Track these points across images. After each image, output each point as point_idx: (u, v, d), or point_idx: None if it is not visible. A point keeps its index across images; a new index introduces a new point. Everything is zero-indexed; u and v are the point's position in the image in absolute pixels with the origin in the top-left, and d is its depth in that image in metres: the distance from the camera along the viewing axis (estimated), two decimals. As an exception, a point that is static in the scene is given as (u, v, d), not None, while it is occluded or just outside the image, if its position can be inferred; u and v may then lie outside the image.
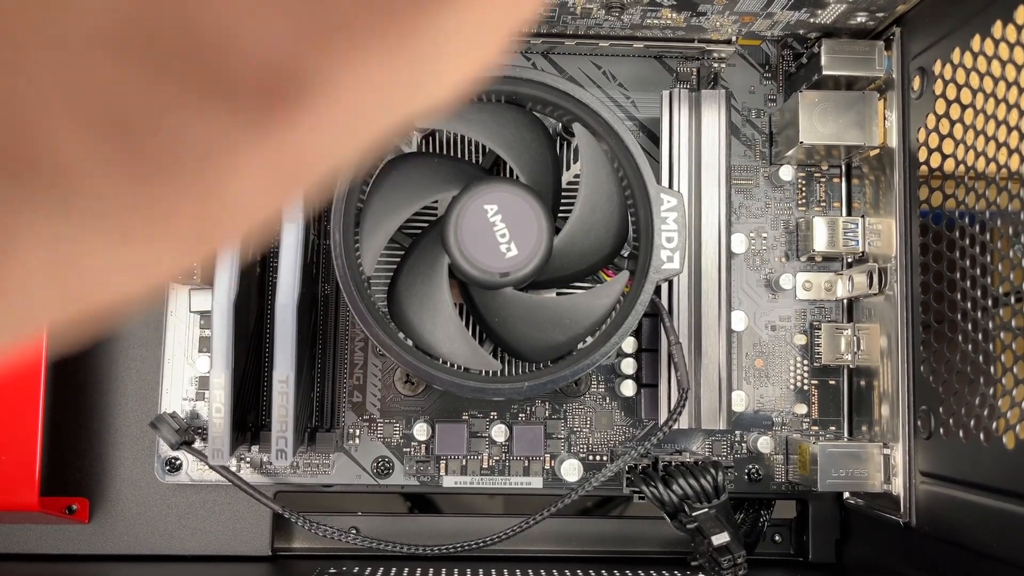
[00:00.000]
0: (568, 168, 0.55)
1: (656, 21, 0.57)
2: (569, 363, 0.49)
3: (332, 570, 0.56)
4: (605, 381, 0.60)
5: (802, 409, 0.61)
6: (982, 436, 0.47)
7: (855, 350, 0.60)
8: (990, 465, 0.46)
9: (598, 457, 0.60)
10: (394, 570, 0.57)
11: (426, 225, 0.54)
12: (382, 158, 0.51)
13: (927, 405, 0.52)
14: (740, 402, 0.60)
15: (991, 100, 0.47)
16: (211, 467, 0.57)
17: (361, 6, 0.12)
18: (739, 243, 0.60)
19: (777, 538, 0.63)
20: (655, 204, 0.49)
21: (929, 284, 0.52)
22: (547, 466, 0.60)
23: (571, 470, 0.58)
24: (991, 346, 0.46)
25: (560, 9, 0.55)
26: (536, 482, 0.60)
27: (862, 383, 0.60)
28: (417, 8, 0.12)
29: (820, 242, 0.59)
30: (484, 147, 0.55)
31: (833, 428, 0.61)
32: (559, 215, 0.52)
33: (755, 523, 0.63)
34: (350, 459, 0.59)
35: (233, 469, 0.57)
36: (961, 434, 0.48)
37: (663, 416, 0.56)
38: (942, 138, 0.51)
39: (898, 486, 0.54)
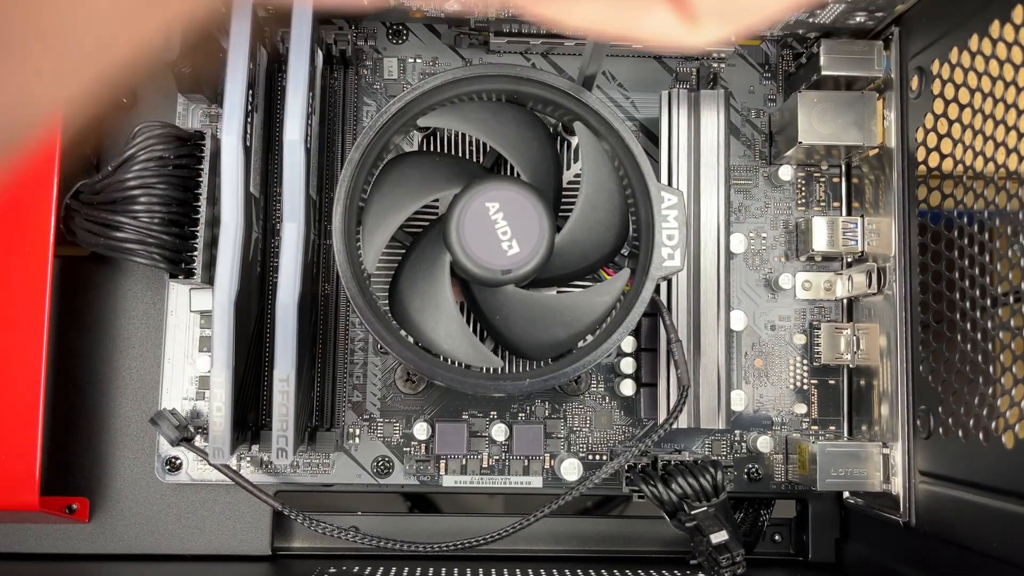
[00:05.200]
0: (569, 167, 0.55)
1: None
2: (570, 360, 0.49)
3: (332, 569, 0.56)
4: (604, 380, 0.61)
5: (802, 409, 0.61)
6: (981, 436, 0.47)
7: (854, 350, 0.60)
8: (989, 464, 0.46)
9: (598, 456, 0.60)
10: (394, 570, 0.57)
11: (427, 223, 0.54)
12: (383, 158, 0.51)
13: (926, 405, 0.52)
14: (739, 401, 0.60)
15: (989, 99, 0.47)
16: (212, 465, 0.57)
17: None
18: (738, 243, 0.60)
19: (777, 537, 0.63)
20: (656, 202, 0.50)
21: (928, 284, 0.52)
22: (547, 465, 0.60)
23: (571, 469, 0.59)
24: (990, 345, 0.46)
25: (560, 9, 0.55)
26: (536, 481, 0.60)
27: (861, 383, 0.60)
28: None
29: (819, 242, 0.59)
30: (485, 146, 0.55)
31: (833, 428, 0.61)
32: (560, 214, 0.52)
33: (755, 522, 0.63)
34: (350, 458, 0.59)
35: (233, 468, 0.57)
36: (960, 434, 0.49)
37: (662, 415, 0.56)
38: (940, 138, 0.51)
39: (897, 485, 0.54)
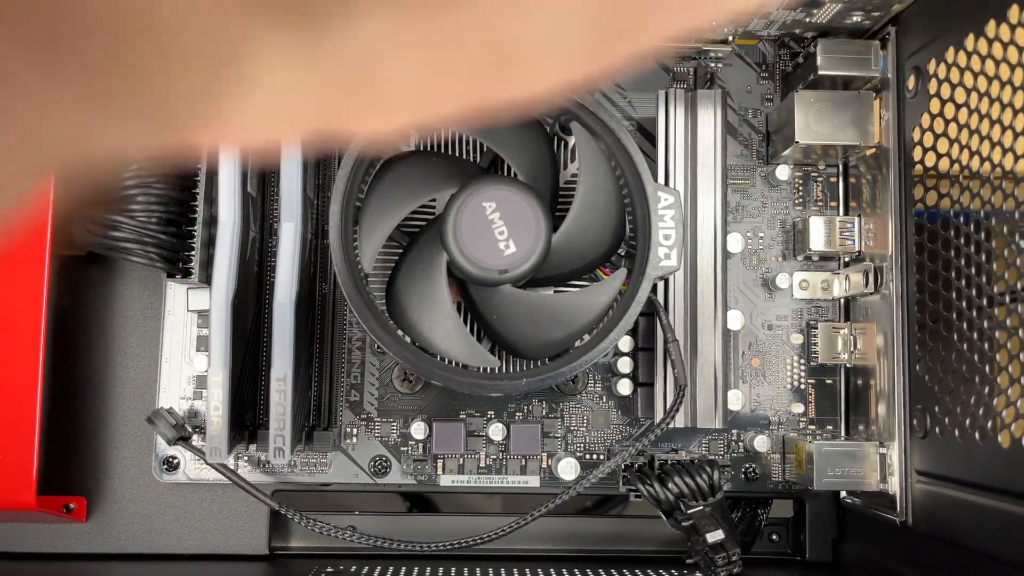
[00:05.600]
0: (566, 167, 0.55)
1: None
2: (567, 360, 0.49)
3: (329, 569, 0.56)
4: (602, 380, 0.61)
5: (799, 408, 0.61)
6: (977, 435, 0.47)
7: (851, 349, 0.60)
8: (985, 464, 0.46)
9: (595, 456, 0.60)
10: (391, 569, 0.57)
11: (424, 223, 0.54)
12: (380, 157, 0.51)
13: (923, 404, 0.52)
14: (736, 401, 0.60)
15: (985, 99, 0.47)
16: (209, 465, 0.57)
17: None
18: (735, 242, 0.60)
19: (774, 537, 0.63)
20: (652, 202, 0.50)
21: (925, 283, 0.52)
22: (544, 465, 0.60)
23: (568, 469, 0.59)
24: (986, 345, 0.46)
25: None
26: (533, 481, 0.60)
27: (858, 382, 0.60)
28: None
29: (817, 241, 0.59)
30: (482, 145, 0.55)
31: (830, 427, 0.61)
32: (557, 213, 0.52)
33: (752, 522, 0.63)
34: (347, 458, 0.59)
35: (231, 468, 0.57)
36: (957, 433, 0.49)
37: (659, 415, 0.56)
38: (937, 137, 0.51)
39: (894, 485, 0.54)
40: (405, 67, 0.13)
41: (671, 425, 0.54)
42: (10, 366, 0.52)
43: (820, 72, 0.57)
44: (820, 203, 0.62)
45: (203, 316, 0.59)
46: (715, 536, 0.52)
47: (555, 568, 0.58)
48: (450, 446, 0.59)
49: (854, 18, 0.56)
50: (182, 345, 0.59)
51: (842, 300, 0.62)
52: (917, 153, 0.53)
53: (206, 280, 0.53)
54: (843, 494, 0.61)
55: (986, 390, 0.46)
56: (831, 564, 0.62)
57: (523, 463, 0.60)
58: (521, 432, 0.59)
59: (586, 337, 0.52)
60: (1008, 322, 0.45)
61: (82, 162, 0.14)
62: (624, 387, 0.60)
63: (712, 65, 0.61)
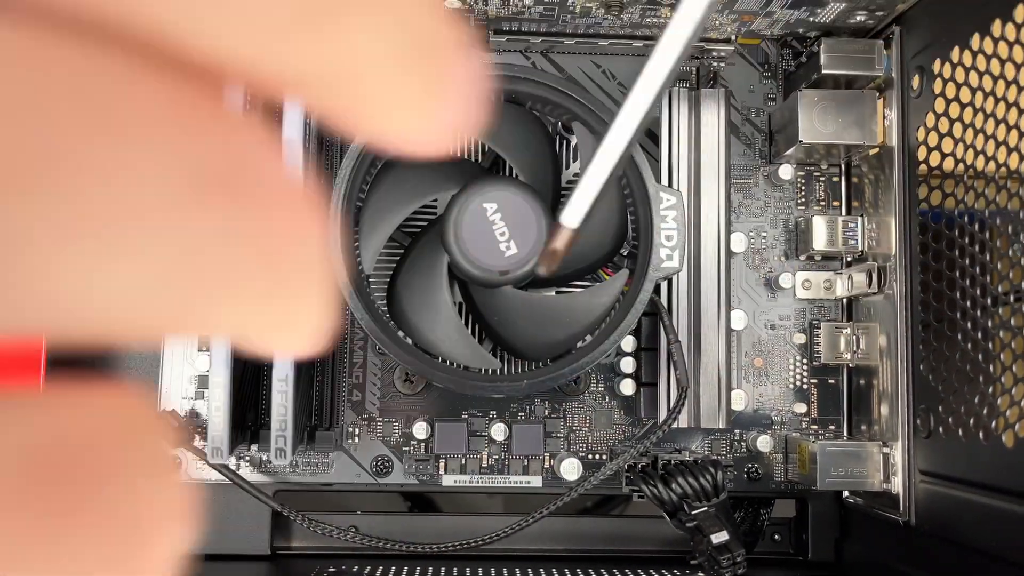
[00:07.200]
0: (568, 167, 0.55)
1: (655, 20, 0.57)
2: (568, 361, 0.49)
3: (331, 569, 0.56)
4: (604, 380, 0.60)
5: (801, 408, 0.61)
6: (981, 435, 0.47)
7: (854, 349, 0.60)
8: (989, 463, 0.46)
9: (598, 456, 0.60)
10: (393, 569, 0.57)
11: (425, 224, 0.54)
12: (381, 157, 0.51)
13: (926, 404, 0.52)
14: (739, 401, 0.60)
15: (990, 98, 0.47)
16: (211, 465, 0.57)
17: None
18: (738, 242, 0.60)
19: (777, 537, 0.63)
20: (654, 202, 0.49)
21: (928, 283, 0.52)
22: (546, 465, 0.60)
23: (571, 469, 0.58)
24: (990, 345, 0.46)
25: (560, 8, 0.55)
26: (536, 481, 0.60)
27: (861, 382, 0.60)
28: None
29: (819, 241, 0.59)
30: (483, 145, 0.55)
31: (832, 427, 0.61)
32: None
33: (755, 522, 0.63)
34: (349, 458, 0.59)
35: (232, 468, 0.57)
36: (960, 433, 0.48)
37: (662, 415, 0.56)
38: (941, 136, 0.51)
39: (897, 485, 0.54)
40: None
41: (674, 425, 0.54)
42: (10, 368, 0.52)
43: (823, 71, 0.56)
44: (823, 203, 0.62)
45: (204, 316, 0.59)
46: (720, 537, 0.52)
47: (557, 568, 0.58)
48: (452, 446, 0.58)
49: (857, 17, 0.56)
50: (183, 345, 0.59)
51: (845, 300, 0.61)
52: (921, 153, 0.53)
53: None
54: (845, 494, 0.61)
55: (990, 389, 0.46)
56: (833, 564, 0.62)
57: (525, 463, 0.60)
58: (523, 432, 0.59)
59: (588, 338, 0.52)
60: (1012, 321, 0.45)
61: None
62: (627, 387, 0.60)
63: (715, 64, 0.61)
